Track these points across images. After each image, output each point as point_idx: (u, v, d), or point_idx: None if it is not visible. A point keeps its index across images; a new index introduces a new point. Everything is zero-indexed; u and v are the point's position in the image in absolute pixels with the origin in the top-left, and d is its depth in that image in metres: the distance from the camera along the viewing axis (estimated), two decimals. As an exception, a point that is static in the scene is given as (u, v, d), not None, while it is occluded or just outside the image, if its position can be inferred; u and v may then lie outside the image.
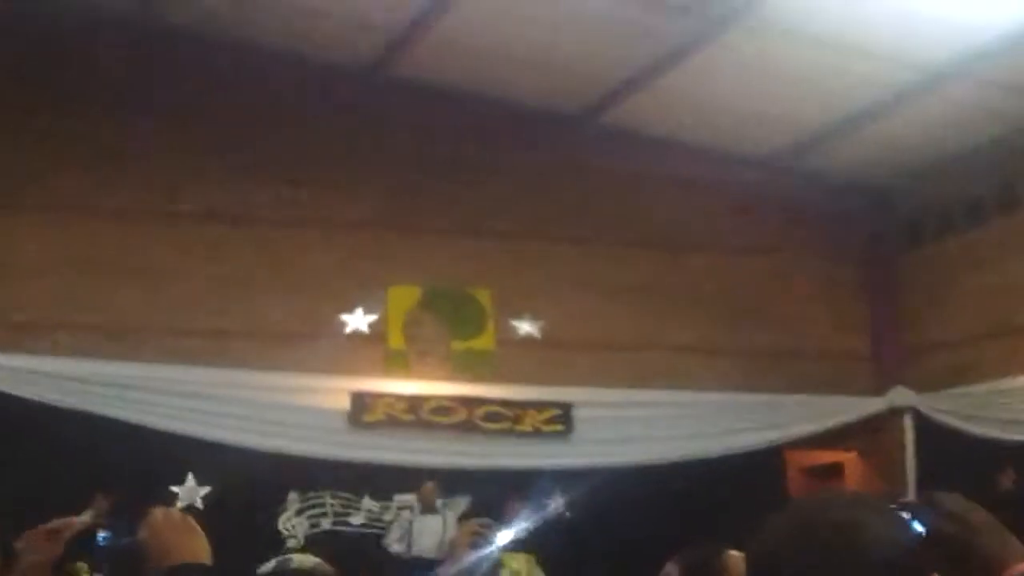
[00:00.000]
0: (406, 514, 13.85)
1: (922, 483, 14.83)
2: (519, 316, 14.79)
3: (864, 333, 16.17)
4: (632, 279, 15.20)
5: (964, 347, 14.81)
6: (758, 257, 15.67)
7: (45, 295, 13.45)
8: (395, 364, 14.51)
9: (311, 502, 14.04)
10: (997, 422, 14.21)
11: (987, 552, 1.79)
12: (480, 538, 3.70)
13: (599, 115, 14.81)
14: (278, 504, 13.90)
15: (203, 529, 2.54)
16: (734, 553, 3.61)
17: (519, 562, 13.45)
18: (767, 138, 14.84)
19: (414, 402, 14.31)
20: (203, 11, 13.71)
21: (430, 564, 12.00)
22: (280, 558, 3.56)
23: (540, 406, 14.63)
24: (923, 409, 15.34)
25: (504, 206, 14.98)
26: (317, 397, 13.99)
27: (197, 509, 12.86)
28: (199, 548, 2.47)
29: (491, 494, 13.73)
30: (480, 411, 14.43)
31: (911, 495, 14.18)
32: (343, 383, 14.12)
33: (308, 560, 3.54)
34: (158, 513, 2.51)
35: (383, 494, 14.13)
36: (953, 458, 14.00)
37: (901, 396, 15.52)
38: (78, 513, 12.74)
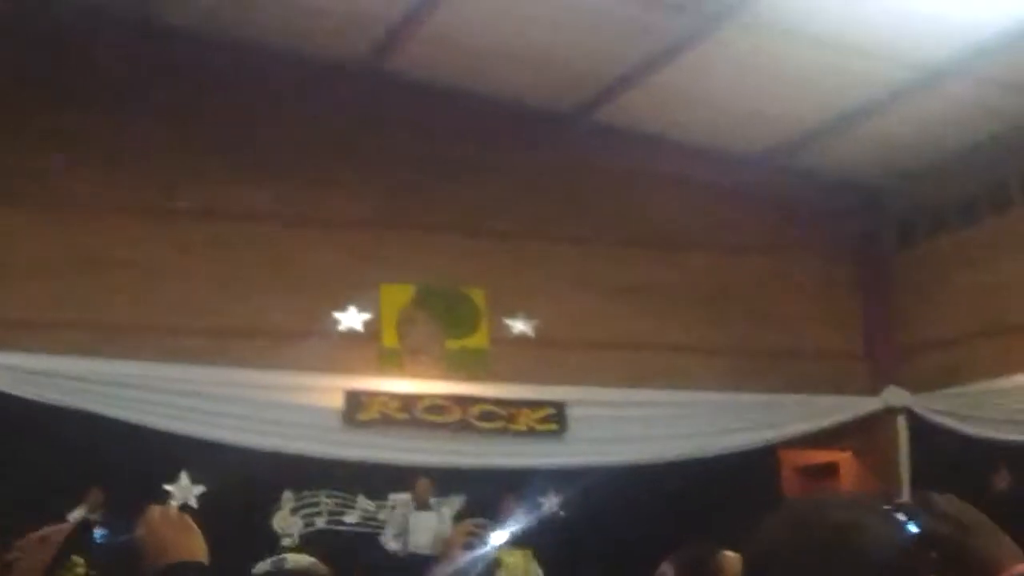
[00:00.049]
0: (401, 510, 13.84)
1: (916, 483, 14.85)
2: (513, 315, 14.78)
3: (858, 332, 16.19)
4: (626, 278, 15.20)
5: (958, 347, 14.83)
6: (752, 256, 15.68)
7: (42, 293, 13.43)
8: (389, 363, 14.51)
9: (306, 501, 14.03)
10: (991, 422, 14.23)
11: (982, 553, 1.79)
12: (474, 538, 3.70)
13: (594, 112, 14.81)
14: (273, 503, 13.89)
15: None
16: (729, 553, 3.61)
17: (515, 557, 13.46)
18: (762, 136, 14.84)
19: (408, 401, 14.30)
20: (200, 10, 13.70)
21: (425, 561, 12.01)
22: (275, 557, 3.56)
23: (534, 405, 14.63)
24: (917, 409, 15.36)
25: (498, 204, 14.98)
26: (311, 396, 13.98)
27: (191, 508, 12.84)
28: (196, 547, 2.46)
29: (485, 493, 13.74)
30: (474, 410, 14.43)
31: (905, 495, 14.20)
32: (337, 382, 14.12)
33: (303, 559, 3.54)
34: (155, 511, 2.51)
35: (378, 493, 14.12)
36: (947, 458, 14.03)
37: (895, 396, 15.54)
38: (72, 509, 12.75)
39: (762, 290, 15.66)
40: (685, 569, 3.71)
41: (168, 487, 13.22)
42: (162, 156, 14.01)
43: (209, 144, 14.14)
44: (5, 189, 13.48)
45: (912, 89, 13.26)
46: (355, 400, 14.15)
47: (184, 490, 13.30)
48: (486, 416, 14.46)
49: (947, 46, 12.37)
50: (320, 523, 14.01)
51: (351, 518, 14.11)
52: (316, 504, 14.07)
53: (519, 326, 14.78)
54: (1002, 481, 13.83)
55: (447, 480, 14.01)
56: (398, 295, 14.66)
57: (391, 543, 13.62)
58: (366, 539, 13.91)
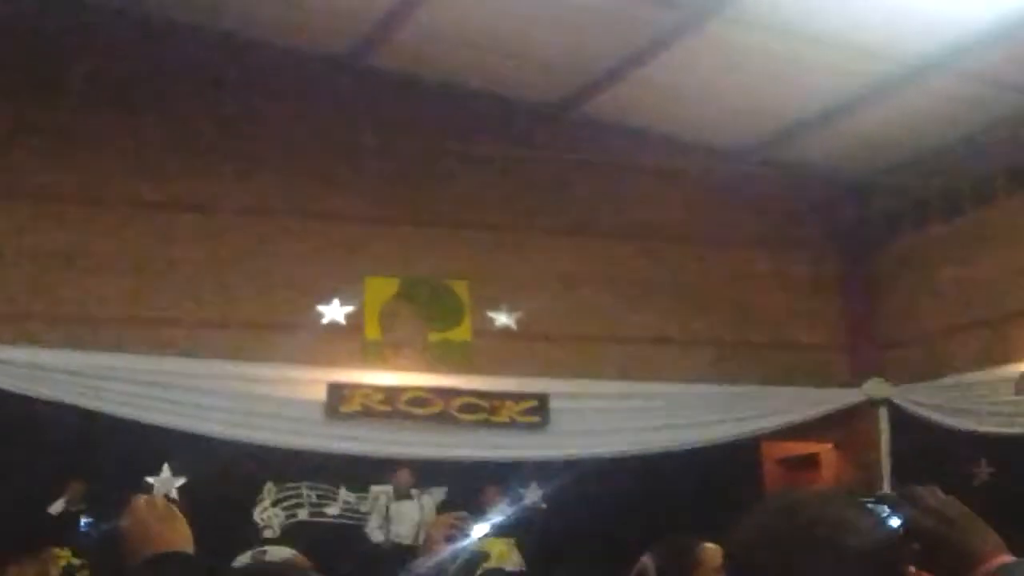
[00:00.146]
0: (383, 500, 13.83)
1: (897, 475, 14.90)
2: (496, 307, 14.78)
3: (840, 325, 16.23)
4: (610, 271, 15.21)
5: (940, 339, 14.88)
6: (736, 249, 15.70)
7: (23, 286, 13.39)
8: (372, 355, 14.49)
9: (287, 493, 14.02)
10: (972, 414, 14.29)
11: (965, 546, 1.80)
12: (456, 531, 3.69)
13: (580, 106, 14.80)
14: (254, 495, 13.87)
15: (181, 518, 2.53)
16: (709, 546, 3.62)
17: (498, 547, 13.46)
18: (746, 130, 14.86)
19: (391, 393, 14.30)
20: (187, 4, 13.65)
21: (407, 551, 12.00)
22: (255, 550, 3.56)
23: (516, 397, 14.63)
24: (898, 401, 15.41)
25: (483, 197, 14.97)
26: (294, 388, 13.96)
27: (173, 500, 12.82)
28: (182, 537, 2.45)
29: (467, 485, 13.74)
30: (456, 402, 14.43)
31: (886, 487, 14.26)
32: (320, 374, 14.10)
33: (283, 552, 3.53)
34: (141, 501, 2.49)
35: (359, 485, 14.12)
36: (928, 450, 14.08)
37: (877, 388, 15.59)
38: (53, 501, 12.71)
39: (745, 283, 15.68)
40: (666, 561, 3.71)
41: (150, 479, 13.19)
42: (141, 147, 13.96)
43: (190, 135, 14.08)
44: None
45: (896, 84, 13.28)
46: (337, 392, 14.13)
47: (166, 482, 13.27)
48: (468, 408, 14.46)
49: (932, 41, 12.40)
50: (302, 515, 14.00)
51: (333, 510, 14.10)
52: (298, 496, 14.05)
53: (502, 319, 14.77)
54: (983, 473, 13.89)
55: (429, 472, 14.00)
56: (382, 288, 14.64)
57: (375, 533, 13.61)
58: (348, 531, 13.90)
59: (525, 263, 14.98)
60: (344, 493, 14.14)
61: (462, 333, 14.82)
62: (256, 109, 14.27)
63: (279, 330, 13.75)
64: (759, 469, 15.57)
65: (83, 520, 12.54)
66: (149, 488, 12.86)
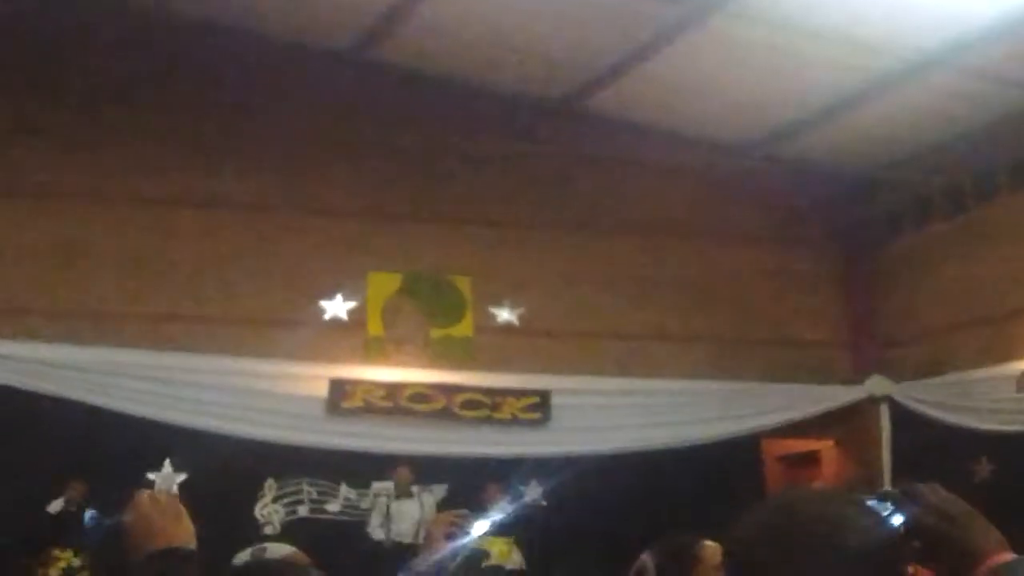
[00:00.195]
0: (383, 498, 13.82)
1: (897, 472, 14.89)
2: (498, 303, 14.78)
3: (842, 322, 16.23)
4: (612, 267, 15.21)
5: (942, 336, 14.87)
6: (737, 245, 15.70)
7: (22, 280, 13.38)
8: (374, 351, 14.49)
9: (288, 489, 14.02)
10: (973, 411, 14.28)
11: (966, 543, 1.79)
12: (457, 528, 3.68)
13: (583, 101, 14.79)
14: (255, 491, 13.87)
15: (184, 514, 2.52)
16: (709, 544, 3.61)
17: (497, 545, 13.47)
18: (748, 125, 14.84)
19: (392, 389, 14.30)
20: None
21: (408, 549, 12.00)
22: (255, 547, 3.55)
23: (518, 394, 14.63)
24: (899, 398, 15.40)
25: (486, 193, 14.96)
26: (295, 384, 13.96)
27: (167, 493, 12.81)
28: (185, 533, 2.44)
29: (468, 482, 13.73)
30: (458, 398, 14.43)
31: (887, 484, 14.25)
32: (321, 370, 14.10)
33: (283, 549, 3.53)
34: (145, 496, 2.49)
35: (360, 481, 14.11)
36: (929, 447, 14.07)
37: (878, 385, 15.58)
38: (53, 500, 12.69)
39: (747, 279, 15.68)
40: (665, 559, 3.71)
41: (151, 475, 13.19)
42: (143, 143, 13.96)
43: (190, 130, 14.08)
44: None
45: (898, 80, 13.26)
46: (339, 388, 14.13)
47: (167, 478, 13.26)
48: (470, 404, 14.46)
49: (934, 37, 12.38)
50: (302, 511, 14.00)
51: (333, 507, 14.10)
52: (299, 492, 14.05)
53: (504, 315, 14.78)
54: (983, 471, 13.88)
55: (430, 468, 14.00)
56: (385, 283, 14.64)
57: (376, 532, 13.60)
58: (348, 528, 13.90)
59: (527, 259, 14.97)
60: (345, 490, 14.13)
61: (464, 329, 14.82)
62: (257, 104, 14.26)
63: (281, 326, 13.76)
64: (760, 466, 15.57)
65: (87, 514, 12.54)
66: (150, 484, 12.87)
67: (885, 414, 15.53)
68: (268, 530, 13.60)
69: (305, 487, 14.06)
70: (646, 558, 3.72)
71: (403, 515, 13.49)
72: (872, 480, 14.64)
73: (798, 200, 15.87)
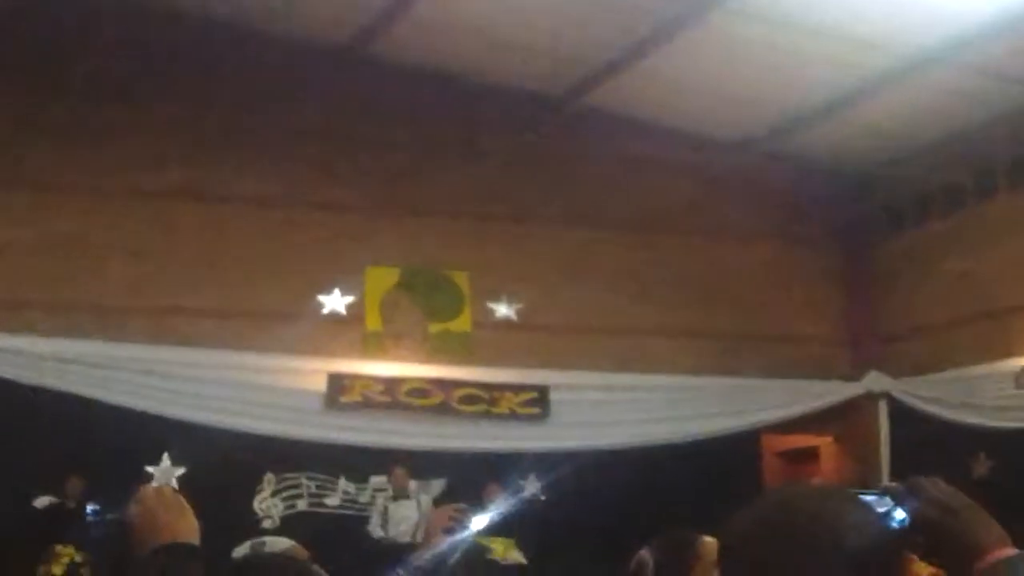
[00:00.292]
0: (381, 499, 13.83)
1: (896, 468, 14.90)
2: (496, 298, 14.78)
3: (841, 318, 16.23)
4: (610, 262, 15.20)
5: (940, 333, 14.87)
6: (736, 241, 15.70)
7: (22, 274, 13.38)
8: (372, 346, 14.49)
9: (287, 483, 14.02)
10: (972, 408, 14.29)
11: (968, 537, 1.80)
12: (455, 523, 3.69)
13: (581, 97, 14.78)
14: (254, 485, 13.88)
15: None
16: (708, 539, 3.61)
17: (496, 543, 13.47)
18: (747, 122, 14.84)
19: (390, 384, 14.30)
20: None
21: (407, 548, 12.00)
22: (254, 541, 3.56)
23: (516, 389, 14.63)
24: (898, 394, 15.41)
25: (484, 188, 14.95)
26: (294, 378, 13.96)
27: (172, 488, 12.81)
28: (189, 528, 2.44)
29: (467, 477, 13.74)
30: (456, 393, 14.43)
31: (885, 480, 14.26)
32: (320, 364, 14.10)
33: (282, 542, 3.53)
34: (149, 490, 2.48)
35: (359, 476, 14.12)
36: (927, 443, 14.08)
37: (877, 381, 15.59)
38: (54, 493, 12.67)
39: (746, 275, 15.67)
40: (664, 555, 3.71)
41: (150, 468, 13.19)
42: (143, 136, 13.95)
43: (190, 125, 14.07)
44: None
45: (898, 77, 13.26)
46: (337, 383, 14.13)
47: (166, 472, 13.28)
48: (468, 399, 14.46)
49: (933, 34, 12.38)
50: (301, 505, 14.00)
51: (332, 501, 14.11)
52: (297, 486, 14.06)
53: (502, 310, 14.78)
54: (981, 467, 13.89)
55: (428, 463, 14.01)
56: (383, 278, 14.64)
57: (377, 531, 13.60)
58: (347, 522, 13.91)
59: (526, 254, 14.97)
60: (343, 484, 14.14)
61: (462, 324, 14.82)
62: (257, 100, 14.24)
63: (279, 320, 13.75)
64: (758, 462, 15.57)
65: (88, 508, 12.49)
66: (149, 477, 12.88)
67: (883, 410, 15.54)
68: (267, 524, 13.61)
69: (304, 481, 14.07)
70: (645, 553, 3.72)
71: (400, 517, 13.46)
72: (870, 476, 14.66)
73: (798, 197, 15.87)
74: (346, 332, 14.30)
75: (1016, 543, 1.84)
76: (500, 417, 14.53)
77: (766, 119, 14.73)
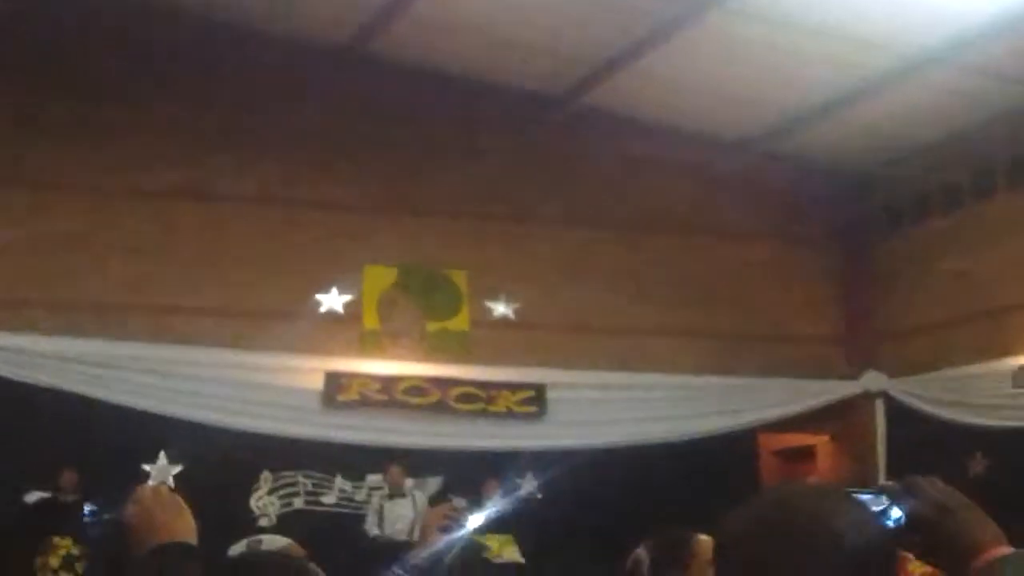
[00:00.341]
0: (377, 497, 13.83)
1: (892, 467, 14.91)
2: (494, 297, 14.78)
3: (838, 317, 16.24)
4: (609, 261, 15.20)
5: (938, 332, 14.88)
6: (735, 240, 15.70)
7: (22, 273, 13.37)
8: (370, 344, 14.49)
9: (284, 481, 14.02)
10: (968, 407, 14.30)
11: (964, 536, 1.80)
12: (451, 522, 3.68)
13: (580, 96, 14.77)
14: (250, 483, 13.87)
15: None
16: (704, 538, 3.61)
17: (492, 541, 13.47)
18: (746, 121, 14.84)
19: (388, 382, 14.30)
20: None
21: (403, 546, 12.00)
22: (251, 539, 3.55)
23: (514, 387, 14.64)
24: (895, 393, 15.42)
25: (483, 187, 14.95)
26: (291, 376, 13.96)
27: (169, 488, 12.81)
28: (186, 527, 2.44)
29: (463, 475, 13.75)
30: (454, 392, 14.43)
31: (881, 479, 14.26)
32: (317, 363, 14.10)
33: (278, 541, 3.53)
34: (147, 490, 2.48)
35: (356, 474, 14.12)
36: (924, 442, 14.10)
37: (874, 380, 15.59)
38: (49, 488, 12.67)
39: (744, 274, 15.67)
40: (660, 553, 3.71)
41: (147, 467, 13.19)
42: (141, 135, 13.95)
43: (188, 124, 14.08)
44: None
45: (897, 77, 13.26)
46: (335, 381, 14.13)
47: (162, 470, 13.27)
48: (465, 398, 14.47)
49: (933, 34, 12.38)
50: (298, 503, 14.01)
51: (329, 499, 14.11)
52: (294, 485, 14.06)
53: (500, 308, 14.78)
54: (978, 466, 13.90)
55: (425, 461, 14.01)
56: (381, 277, 14.64)
57: (373, 529, 13.60)
58: (343, 520, 13.91)
59: (523, 253, 14.97)
60: (340, 482, 14.14)
61: (460, 323, 14.82)
62: (256, 99, 14.24)
63: (277, 318, 13.75)
64: (755, 461, 15.58)
65: (86, 507, 12.49)
66: (146, 476, 12.88)
67: (880, 409, 15.55)
68: (264, 522, 13.60)
69: (300, 479, 14.07)
70: (641, 551, 3.72)
71: (396, 515, 13.45)
72: (867, 475, 14.67)
73: (797, 196, 15.87)
74: (344, 331, 14.30)
75: (1012, 542, 1.84)
76: (497, 416, 14.54)
77: (765, 119, 14.73)
